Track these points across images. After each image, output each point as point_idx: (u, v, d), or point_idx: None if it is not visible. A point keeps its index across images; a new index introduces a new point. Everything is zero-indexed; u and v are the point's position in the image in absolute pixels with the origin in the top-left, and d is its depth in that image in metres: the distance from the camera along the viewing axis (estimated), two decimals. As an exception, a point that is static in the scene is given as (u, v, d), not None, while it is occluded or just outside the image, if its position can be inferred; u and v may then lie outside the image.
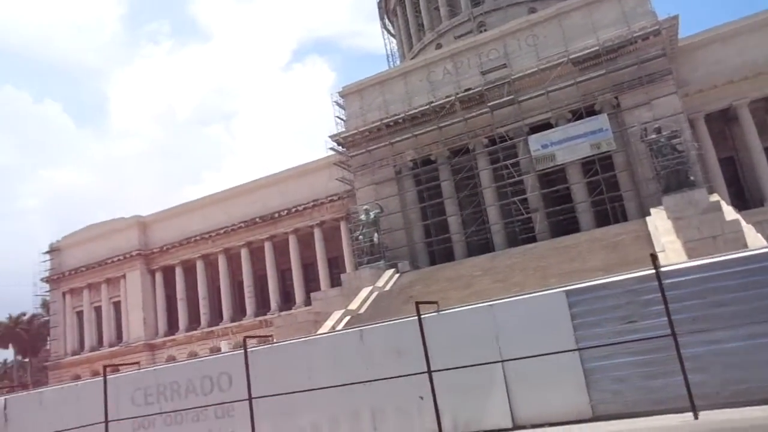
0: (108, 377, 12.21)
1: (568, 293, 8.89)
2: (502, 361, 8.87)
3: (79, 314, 53.66)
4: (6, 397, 14.52)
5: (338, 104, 38.73)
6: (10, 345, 62.41)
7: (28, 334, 61.36)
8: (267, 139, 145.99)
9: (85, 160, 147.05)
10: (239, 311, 48.13)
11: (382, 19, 52.39)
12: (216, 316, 48.76)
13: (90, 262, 52.48)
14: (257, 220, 46.48)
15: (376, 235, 34.18)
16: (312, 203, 44.39)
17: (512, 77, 32.26)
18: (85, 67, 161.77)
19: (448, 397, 9.00)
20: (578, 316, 8.61)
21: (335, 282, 41.05)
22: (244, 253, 47.41)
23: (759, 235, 21.33)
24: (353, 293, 30.20)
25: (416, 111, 34.94)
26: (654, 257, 8.40)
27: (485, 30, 38.33)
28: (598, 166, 30.86)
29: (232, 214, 47.66)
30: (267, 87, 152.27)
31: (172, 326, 50.15)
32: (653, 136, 27.66)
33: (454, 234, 34.74)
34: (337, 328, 24.42)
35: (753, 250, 9.44)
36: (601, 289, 8.62)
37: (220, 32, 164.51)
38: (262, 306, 47.13)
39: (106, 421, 11.59)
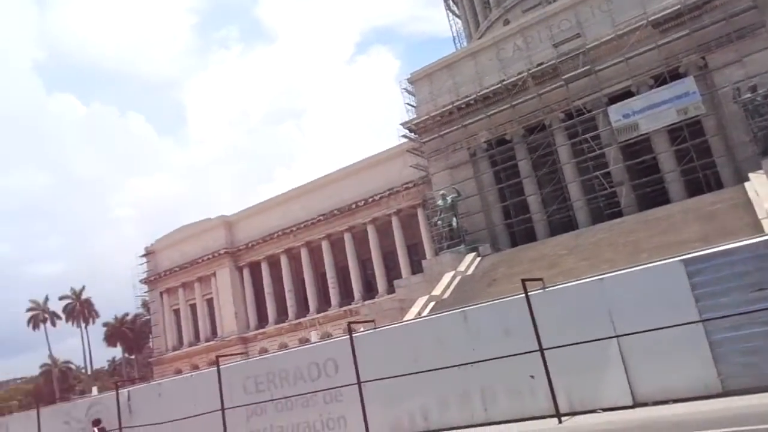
0: (221, 367, 12.78)
1: (686, 262, 8.41)
2: (617, 336, 8.55)
3: (176, 312, 56.87)
4: (129, 389, 15.67)
5: (407, 91, 38.62)
6: (118, 343, 67.06)
7: (132, 333, 65.73)
8: (337, 134, 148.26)
9: (168, 167, 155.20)
10: (324, 302, 49.35)
11: (445, 0, 51.76)
12: (302, 308, 50.24)
13: (182, 263, 55.44)
14: (335, 212, 47.36)
15: (454, 219, 33.97)
16: (388, 192, 44.70)
17: (587, 46, 30.97)
18: (163, 78, 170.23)
19: (561, 376, 8.83)
20: (699, 286, 8.13)
21: (415, 269, 41.24)
22: (325, 246, 48.51)
23: None
24: (435, 279, 30.22)
25: (488, 91, 34.26)
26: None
27: (554, 0, 36.98)
28: (686, 133, 29.17)
29: (310, 208, 48.83)
30: (333, 82, 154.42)
31: (262, 319, 52.18)
32: (748, 95, 25.77)
33: (535, 213, 33.94)
34: (423, 314, 24.55)
35: None
36: (726, 255, 8.08)
37: (284, 32, 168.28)
38: (346, 296, 48.10)
39: (223, 409, 12.24)
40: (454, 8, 51.59)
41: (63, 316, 64.52)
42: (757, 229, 19.65)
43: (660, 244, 22.55)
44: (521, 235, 34.40)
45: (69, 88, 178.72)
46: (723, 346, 8.03)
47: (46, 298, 65.33)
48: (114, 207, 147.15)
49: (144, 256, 58.65)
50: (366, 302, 42.59)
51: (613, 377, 8.63)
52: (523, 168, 34.50)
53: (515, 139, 34.68)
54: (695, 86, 28.59)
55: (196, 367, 47.67)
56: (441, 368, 9.84)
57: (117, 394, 14.78)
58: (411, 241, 45.04)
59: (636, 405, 8.48)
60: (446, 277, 29.53)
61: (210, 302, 54.55)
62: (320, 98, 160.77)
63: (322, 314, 48.01)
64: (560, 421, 8.71)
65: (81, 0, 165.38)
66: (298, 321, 49.07)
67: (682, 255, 8.52)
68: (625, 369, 8.58)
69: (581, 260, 25.57)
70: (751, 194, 23.94)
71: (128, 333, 65.45)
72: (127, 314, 66.33)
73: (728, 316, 7.77)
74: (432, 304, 27.01)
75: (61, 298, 64.72)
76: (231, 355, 17.84)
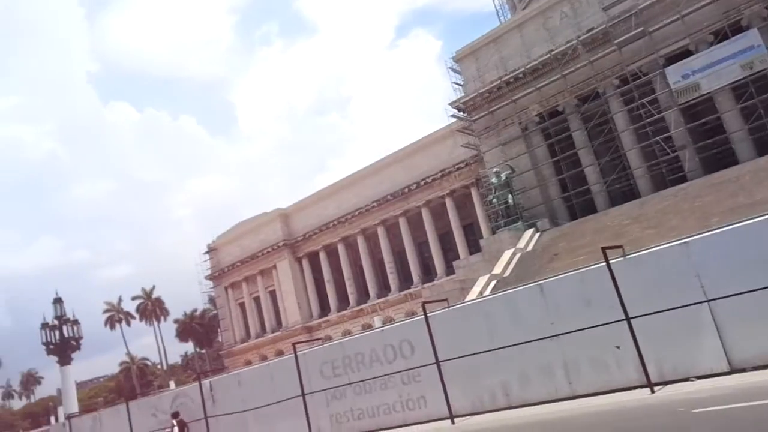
0: (297, 354, 13.13)
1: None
2: (709, 301, 8.22)
3: (242, 305, 58.63)
4: (211, 380, 16.35)
5: (453, 70, 38.15)
6: (189, 339, 69.82)
7: (202, 328, 68.24)
8: (384, 119, 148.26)
9: (222, 165, 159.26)
10: (383, 287, 49.78)
11: (485, -26, 50.60)
12: (362, 295, 50.85)
13: (243, 257, 57.00)
14: (389, 197, 47.54)
15: (510, 196, 33.56)
16: (440, 173, 44.49)
17: (639, 7, 29.70)
18: (210, 79, 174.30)
19: (649, 345, 8.59)
20: (798, 243, 7.64)
21: (472, 249, 41.01)
22: (380, 231, 48.82)
23: None
24: (495, 257, 29.99)
25: (536, 62, 33.46)
26: None
27: (601, -37, 35.61)
28: (752, 89, 27.64)
29: (363, 195, 49.17)
30: (376, 68, 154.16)
31: (324, 308, 53.14)
32: (819, 42, 24.24)
33: (593, 185, 33.07)
34: (485, 294, 24.44)
35: None
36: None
37: (324, 23, 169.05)
38: (405, 280, 48.36)
39: (303, 395, 12.60)
40: (495, -19, 50.35)
41: (136, 315, 67.65)
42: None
43: (731, 208, 21.62)
44: (580, 207, 33.61)
45: (122, 96, 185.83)
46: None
47: (120, 299, 68.61)
48: (174, 208, 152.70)
49: (207, 253, 60.55)
50: (425, 285, 42.68)
51: (707, 343, 8.33)
52: (577, 139, 33.62)
53: (568, 109, 33.80)
54: (760, 38, 27.07)
55: (264, 358, 49.08)
56: (519, 343, 9.75)
57: (200, 385, 15.45)
58: (466, 222, 44.79)
59: (733, 371, 8.17)
60: (506, 255, 29.26)
61: (273, 294, 55.93)
62: (365, 85, 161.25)
63: (382, 299, 48.47)
64: (653, 391, 8.48)
65: (126, 11, 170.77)
66: (359, 308, 49.72)
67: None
68: (719, 334, 8.25)
69: (646, 229, 24.82)
70: (830, 148, 22.61)
71: (198, 328, 68.00)
72: (195, 310, 68.91)
73: None
74: (493, 282, 26.85)
75: (133, 299, 67.84)
76: (307, 341, 18.25)
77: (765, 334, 7.91)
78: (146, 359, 74.20)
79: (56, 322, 23.28)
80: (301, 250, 54.29)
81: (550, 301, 9.77)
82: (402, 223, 47.50)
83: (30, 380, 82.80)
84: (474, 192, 42.50)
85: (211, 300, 63.82)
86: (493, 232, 34.45)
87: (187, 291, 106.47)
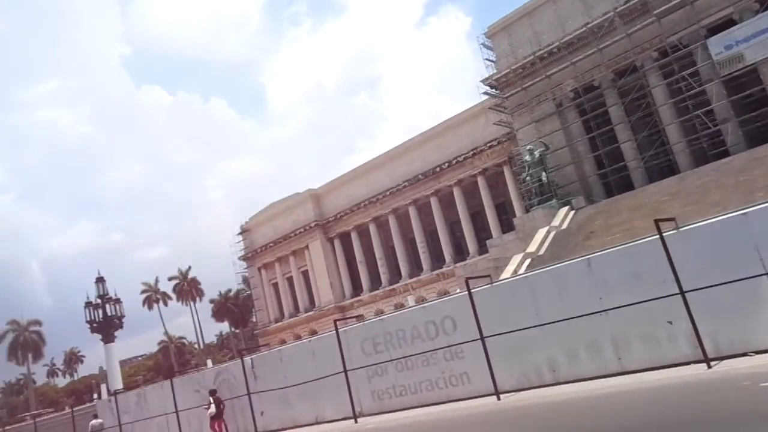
0: (339, 330, 13.22)
1: None
2: (768, 274, 7.89)
3: (275, 285, 59.44)
4: (252, 356, 16.66)
5: (485, 46, 37.52)
6: (225, 319, 71.25)
7: (236, 308, 69.50)
8: (414, 98, 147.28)
9: (253, 147, 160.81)
10: (415, 267, 49.84)
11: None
12: (395, 274, 51.02)
13: (276, 238, 57.65)
14: (420, 177, 47.35)
15: (544, 174, 33.07)
16: (471, 152, 44.07)
17: (680, -24, 28.71)
18: (240, 61, 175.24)
19: (703, 320, 8.39)
20: None
21: (505, 228, 40.71)
22: (412, 211, 48.75)
23: None
24: (529, 236, 29.69)
25: (571, 36, 32.65)
26: None
27: (638, -70, 34.36)
28: (800, 58, 26.58)
29: (394, 174, 49.07)
30: (406, 46, 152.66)
31: (356, 287, 53.52)
32: None
33: (630, 161, 32.34)
34: (519, 272, 24.25)
35: None
36: None
37: (353, 1, 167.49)
38: (437, 260, 48.32)
39: (345, 371, 12.73)
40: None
41: (173, 295, 69.24)
42: None
43: (778, 182, 20.95)
44: (617, 184, 32.95)
45: (154, 79, 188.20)
46: None
47: (157, 280, 70.21)
48: (207, 190, 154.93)
49: (240, 234, 61.39)
50: (458, 264, 42.58)
51: (766, 318, 8.05)
52: (614, 114, 32.83)
53: (604, 84, 32.98)
54: (809, 5, 25.90)
55: (298, 337, 49.79)
56: (566, 319, 9.62)
57: (242, 362, 15.74)
58: (498, 200, 44.40)
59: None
60: (540, 233, 28.95)
61: (305, 274, 56.52)
62: (394, 65, 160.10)
63: (414, 279, 48.57)
64: (709, 366, 8.30)
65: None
66: (391, 287, 49.92)
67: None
68: (779, 308, 7.95)
69: (687, 205, 24.20)
70: None
71: (233, 308, 69.27)
72: (230, 290, 70.15)
73: None
74: (528, 261, 26.61)
75: (170, 279, 69.38)
76: (347, 318, 18.43)
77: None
78: (183, 338, 76.15)
79: (99, 301, 23.93)
80: (333, 231, 54.63)
81: (598, 275, 9.58)
82: (433, 202, 47.32)
83: (72, 359, 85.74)
84: (506, 170, 42.02)
85: (245, 280, 64.87)
86: (527, 211, 34.06)
87: (221, 272, 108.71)
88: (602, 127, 33.14)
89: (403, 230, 50.25)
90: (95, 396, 51.44)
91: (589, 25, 31.84)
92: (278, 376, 14.51)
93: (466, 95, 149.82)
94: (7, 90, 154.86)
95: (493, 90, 37.39)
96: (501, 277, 23.52)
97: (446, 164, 45.68)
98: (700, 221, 9.28)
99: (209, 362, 44.65)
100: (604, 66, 32.09)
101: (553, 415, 8.36)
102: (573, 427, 7.41)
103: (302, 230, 55.34)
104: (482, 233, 44.32)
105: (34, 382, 75.57)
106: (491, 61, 37.21)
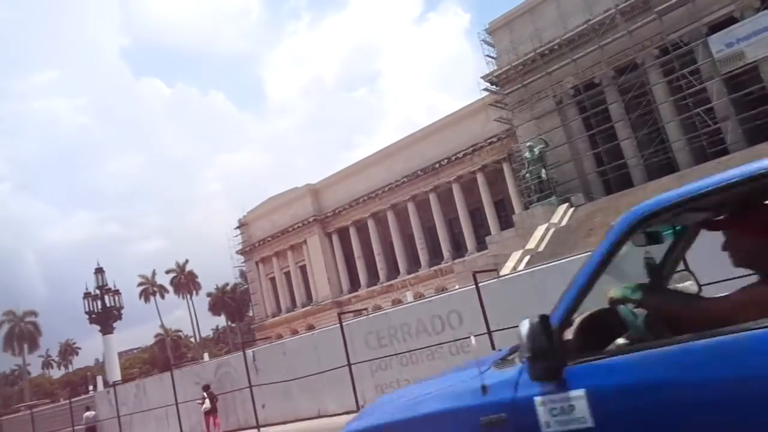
0: (343, 324, 13.23)
1: None
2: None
3: (272, 280, 59.36)
4: (254, 349, 16.64)
5: (486, 42, 37.50)
6: (222, 312, 71.24)
7: (233, 302, 69.47)
8: (413, 94, 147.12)
9: (251, 140, 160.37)
10: (413, 263, 49.86)
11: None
12: (392, 270, 51.01)
13: (274, 232, 57.52)
14: (419, 172, 47.31)
15: (543, 170, 33.14)
16: (471, 148, 44.04)
17: (682, -27, 28.73)
18: (239, 54, 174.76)
19: None
20: None
21: (503, 225, 40.76)
22: (410, 207, 48.73)
23: None
24: (528, 232, 29.75)
25: (572, 33, 32.66)
26: None
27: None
28: (801, 56, 26.65)
29: (393, 170, 49.01)
30: (405, 42, 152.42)
31: (354, 283, 53.51)
32: None
33: (630, 158, 32.41)
34: (519, 269, 24.29)
35: None
36: None
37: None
38: (435, 256, 48.34)
39: (350, 365, 12.72)
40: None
41: (170, 288, 69.16)
42: None
43: (778, 180, 20.99)
44: (616, 182, 33.01)
45: (153, 71, 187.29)
46: None
47: (154, 273, 70.06)
48: (205, 183, 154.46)
49: (238, 228, 61.25)
50: (456, 261, 42.63)
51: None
52: (614, 112, 32.89)
53: (605, 81, 33.02)
54: (811, 4, 25.95)
55: (295, 332, 49.70)
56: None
57: (244, 354, 15.72)
58: (497, 197, 44.42)
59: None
60: (540, 230, 28.99)
61: (303, 269, 56.47)
62: (393, 60, 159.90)
63: (412, 275, 48.59)
64: None
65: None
66: (389, 283, 49.93)
67: None
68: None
69: (687, 203, 24.30)
70: None
71: (230, 302, 69.23)
72: (227, 284, 70.11)
73: None
74: (527, 257, 26.65)
75: (167, 272, 69.26)
76: (350, 312, 18.41)
77: None
78: (179, 331, 76.08)
79: (98, 292, 23.85)
80: (331, 226, 54.57)
81: (610, 269, 9.46)
82: (432, 198, 47.32)
83: (68, 350, 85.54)
84: (506, 167, 42.02)
85: (243, 274, 64.77)
86: (526, 208, 34.11)
87: (218, 265, 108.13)
88: (602, 124, 33.19)
89: (402, 226, 50.25)
90: (91, 388, 51.32)
91: (590, 22, 31.85)
92: (280, 369, 14.51)
93: (465, 92, 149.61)
94: (6, 80, 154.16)
95: (494, 86, 37.38)
96: (500, 274, 23.65)
97: (445, 160, 45.65)
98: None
99: (206, 356, 44.59)
100: (604, 63, 32.11)
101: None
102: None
103: (300, 225, 55.25)
104: (481, 230, 44.38)
105: (29, 373, 75.45)
106: (492, 57, 37.20)
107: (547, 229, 28.96)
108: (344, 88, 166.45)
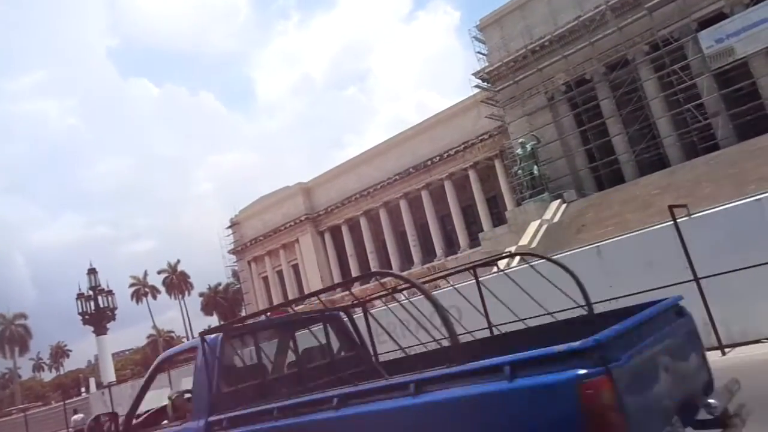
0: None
1: None
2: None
3: (265, 279, 59.16)
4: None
5: (477, 39, 37.54)
6: (214, 312, 70.88)
7: (226, 302, 69.19)
8: (402, 92, 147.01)
9: (241, 140, 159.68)
10: (406, 260, 49.85)
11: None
12: (385, 268, 50.89)
13: (266, 231, 57.33)
14: (411, 170, 47.31)
15: (535, 167, 33.23)
16: (463, 146, 44.08)
17: (671, -31, 28.87)
18: (228, 54, 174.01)
19: (715, 307, 8.42)
20: None
21: (496, 222, 40.85)
22: (403, 204, 48.73)
23: None
24: (521, 229, 29.84)
25: (563, 29, 32.77)
26: None
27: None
28: (790, 52, 26.84)
29: (385, 168, 48.97)
30: (395, 40, 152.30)
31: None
32: None
33: (621, 154, 32.57)
34: (512, 265, 24.34)
35: None
36: None
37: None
38: (427, 253, 48.37)
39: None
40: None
41: (162, 289, 68.77)
42: None
43: (768, 174, 21.15)
44: (608, 178, 33.20)
45: (142, 71, 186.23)
46: None
47: (145, 273, 69.64)
48: (195, 183, 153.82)
49: (229, 227, 60.98)
50: (448, 258, 42.69)
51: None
52: (605, 108, 33.04)
53: (596, 78, 33.16)
54: (799, -1, 26.16)
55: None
56: (574, 307, 9.57)
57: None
58: (489, 194, 44.51)
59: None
60: (532, 227, 29.08)
61: (295, 268, 56.32)
62: (383, 59, 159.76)
63: (405, 273, 48.52)
64: (723, 353, 8.33)
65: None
66: (382, 281, 49.81)
67: None
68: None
69: (678, 198, 24.25)
70: None
71: (222, 302, 68.96)
72: (219, 284, 69.78)
73: None
74: (521, 254, 26.71)
75: (159, 272, 68.88)
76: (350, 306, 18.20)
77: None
78: (172, 332, 75.64)
79: (91, 292, 23.62)
80: (324, 224, 54.47)
81: (608, 263, 9.61)
82: (424, 196, 47.34)
83: (59, 353, 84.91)
84: (498, 164, 42.10)
85: (235, 274, 64.50)
86: (518, 204, 34.20)
87: (210, 266, 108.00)
88: (593, 120, 33.34)
89: (394, 224, 50.24)
90: (83, 390, 50.89)
91: (580, 18, 31.97)
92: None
93: (455, 90, 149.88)
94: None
95: (485, 83, 37.42)
96: (493, 270, 23.67)
97: (437, 158, 45.67)
98: (712, 208, 9.33)
99: (199, 356, 44.28)
100: (595, 59, 32.25)
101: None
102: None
103: (292, 224, 55.11)
104: (473, 227, 44.45)
105: (20, 377, 74.78)
106: (483, 54, 37.24)
107: (540, 226, 29.06)
108: (334, 87, 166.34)
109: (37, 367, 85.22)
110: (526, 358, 2.95)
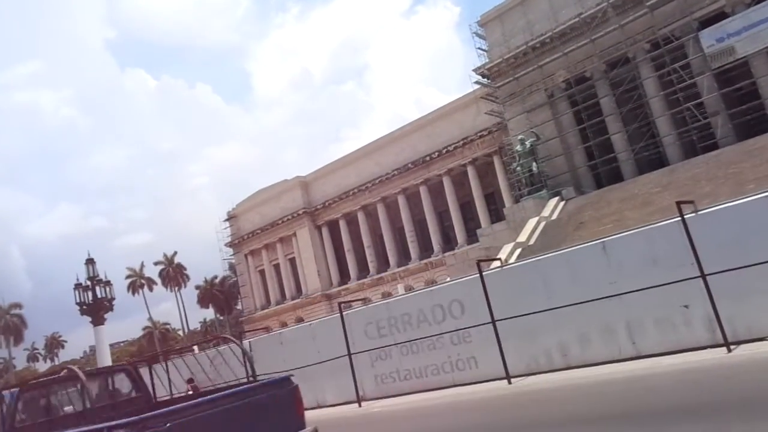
0: (341, 314, 13.17)
1: None
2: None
3: (261, 272, 59.14)
4: (250, 339, 16.55)
5: (477, 35, 37.48)
6: (210, 305, 70.87)
7: (222, 294, 69.14)
8: (401, 87, 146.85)
9: (238, 134, 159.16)
10: (403, 256, 49.91)
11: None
12: (382, 263, 51.03)
13: (263, 225, 57.28)
14: (409, 165, 47.30)
15: (534, 164, 33.24)
16: (462, 141, 44.08)
17: (673, -32, 28.85)
18: (226, 47, 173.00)
19: (720, 304, 8.49)
20: None
21: (494, 218, 40.92)
22: (401, 200, 48.73)
23: None
24: (519, 226, 29.87)
25: (564, 26, 32.74)
26: None
27: None
28: (790, 52, 26.89)
29: (384, 163, 48.95)
30: (394, 35, 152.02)
31: (344, 276, 53.46)
32: None
33: (620, 152, 32.62)
34: (509, 261, 24.40)
35: None
36: None
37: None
38: (425, 249, 48.42)
39: (350, 354, 12.71)
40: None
41: (158, 281, 68.64)
42: None
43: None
44: (607, 176, 33.25)
45: (139, 63, 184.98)
46: None
47: (142, 265, 69.50)
48: (192, 176, 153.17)
49: (227, 220, 60.89)
50: (446, 254, 42.70)
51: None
52: (605, 105, 33.05)
53: (596, 75, 33.16)
54: (801, -1, 26.18)
55: (284, 325, 49.48)
56: (579, 303, 9.66)
57: (241, 344, 15.58)
58: (488, 190, 44.55)
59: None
60: (530, 223, 29.13)
61: (293, 261, 56.31)
62: (382, 54, 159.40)
63: (402, 268, 48.64)
64: (729, 350, 8.32)
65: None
66: (379, 276, 49.95)
67: None
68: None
69: (677, 197, 24.21)
70: None
71: (218, 294, 68.92)
72: (215, 277, 69.76)
73: None
74: (519, 250, 26.77)
75: (155, 264, 68.74)
76: (350, 301, 18.38)
77: None
78: (167, 324, 75.60)
79: (89, 283, 23.60)
80: (321, 218, 54.44)
81: (613, 259, 9.62)
82: (423, 191, 47.34)
83: (54, 343, 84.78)
84: (496, 160, 42.12)
85: (231, 267, 64.45)
86: (516, 201, 34.24)
87: (207, 258, 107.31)
88: (593, 118, 33.34)
89: (392, 219, 50.25)
90: (78, 382, 50.73)
91: (582, 16, 31.95)
92: (278, 360, 14.41)
93: (454, 85, 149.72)
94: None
95: (485, 79, 37.39)
96: (491, 267, 23.73)
97: (436, 153, 45.66)
98: (718, 205, 9.34)
99: (195, 348, 44.27)
100: (596, 57, 32.24)
101: (581, 396, 8.37)
102: (601, 408, 7.37)
103: (290, 217, 55.06)
104: (471, 223, 44.50)
105: (15, 367, 74.65)
106: (483, 50, 37.19)
107: (538, 222, 29.13)
108: (332, 81, 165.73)
109: (32, 357, 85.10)
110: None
